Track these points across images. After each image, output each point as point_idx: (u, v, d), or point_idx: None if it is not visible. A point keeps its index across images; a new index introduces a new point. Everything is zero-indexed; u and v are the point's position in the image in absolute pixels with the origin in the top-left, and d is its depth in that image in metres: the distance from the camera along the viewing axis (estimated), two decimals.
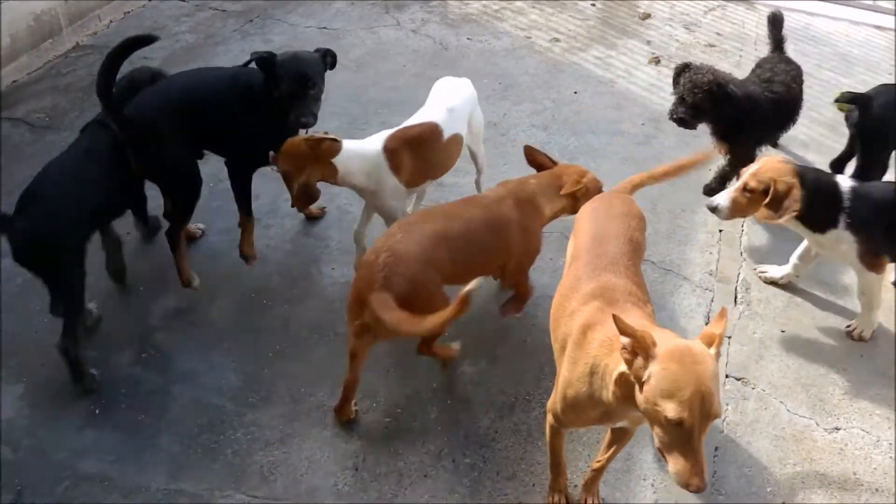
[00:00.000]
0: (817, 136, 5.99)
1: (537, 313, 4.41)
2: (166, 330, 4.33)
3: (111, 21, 7.23)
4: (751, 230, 5.07)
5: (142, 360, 4.16)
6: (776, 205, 4.02)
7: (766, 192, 4.03)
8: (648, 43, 7.17)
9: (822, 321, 4.49)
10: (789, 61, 5.34)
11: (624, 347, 2.54)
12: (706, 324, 4.40)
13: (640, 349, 2.50)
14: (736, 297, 4.62)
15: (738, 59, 6.96)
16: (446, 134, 4.29)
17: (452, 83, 4.59)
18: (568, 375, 2.96)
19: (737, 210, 4.15)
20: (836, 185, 4.13)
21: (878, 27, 7.62)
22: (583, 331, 2.94)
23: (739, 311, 4.51)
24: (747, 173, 4.12)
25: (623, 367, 2.61)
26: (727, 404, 3.98)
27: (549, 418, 3.24)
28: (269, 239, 4.83)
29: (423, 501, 3.55)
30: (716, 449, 3.78)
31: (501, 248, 3.92)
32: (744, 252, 4.90)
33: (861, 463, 3.78)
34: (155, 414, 3.90)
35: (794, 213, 4.01)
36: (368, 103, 6.04)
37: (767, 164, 4.14)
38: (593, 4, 7.82)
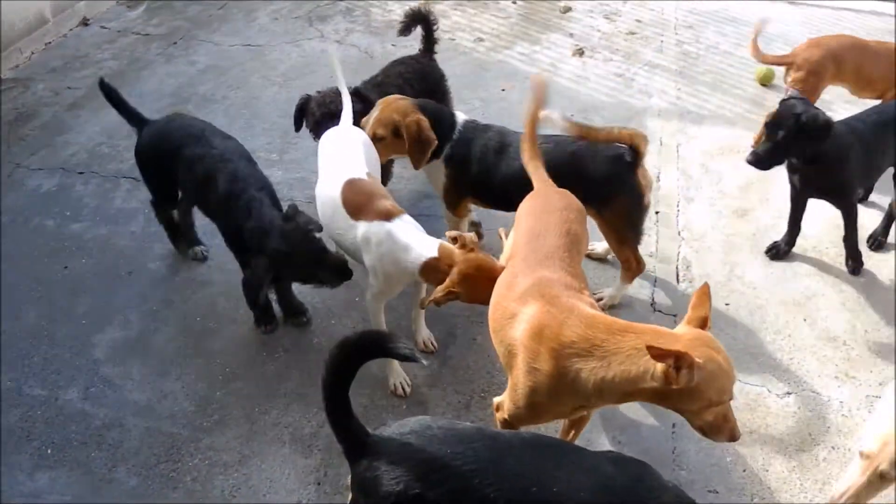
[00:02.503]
0: (742, 112, 6.10)
1: (484, 310, 4.41)
2: (113, 362, 4.27)
3: (33, 52, 7.14)
4: (686, 209, 5.14)
5: (90, 395, 4.10)
6: (419, 145, 4.23)
7: (396, 133, 4.23)
8: (571, 35, 7.23)
9: (763, 292, 4.57)
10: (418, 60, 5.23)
11: (669, 367, 2.61)
12: (651, 304, 4.48)
13: (684, 364, 2.59)
14: (678, 276, 4.67)
15: (659, 43, 7.05)
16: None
17: (341, 133, 4.28)
18: (532, 384, 2.92)
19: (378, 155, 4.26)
20: (453, 117, 4.41)
21: (791, 2, 7.76)
22: (536, 337, 2.90)
23: (682, 290, 4.57)
24: (371, 121, 4.25)
25: (653, 384, 2.68)
26: None
27: (501, 416, 3.20)
28: (211, 260, 4.78)
29: None
30: (673, 426, 3.83)
31: None
32: (681, 231, 4.96)
33: (815, 424, 3.86)
34: (109, 448, 3.85)
35: (434, 146, 4.26)
36: None
37: (387, 106, 4.27)
38: (514, 2, 7.86)
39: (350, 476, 2.66)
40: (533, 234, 3.34)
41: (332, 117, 4.42)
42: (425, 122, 4.23)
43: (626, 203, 4.11)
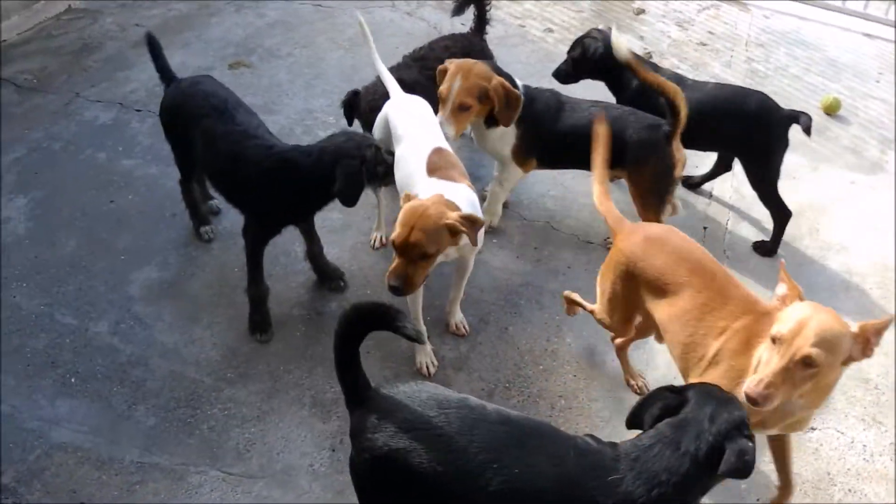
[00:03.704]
0: (804, 139, 5.96)
1: (519, 301, 4.42)
2: (146, 301, 4.30)
3: None
4: (735, 227, 5.08)
5: (120, 330, 4.14)
6: (508, 105, 4.32)
7: (481, 99, 4.27)
8: (641, 38, 7.15)
9: None
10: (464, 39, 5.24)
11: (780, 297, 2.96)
12: None
13: (790, 297, 2.92)
14: None
15: (728, 58, 6.96)
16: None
17: (411, 104, 4.30)
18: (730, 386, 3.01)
19: (460, 126, 4.33)
20: (515, 83, 4.48)
21: (867, 35, 7.61)
22: (744, 342, 3.05)
23: None
24: (455, 91, 4.23)
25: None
26: None
27: None
28: None
29: None
30: None
31: None
32: (727, 250, 4.90)
33: (835, 464, 3.80)
34: (131, 385, 3.88)
35: (521, 103, 4.40)
36: (360, 83, 5.98)
37: (468, 72, 4.25)
38: None
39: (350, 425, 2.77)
40: (692, 261, 3.39)
41: None
42: (506, 82, 4.31)
43: (656, 169, 4.42)
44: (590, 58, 4.84)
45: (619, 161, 4.29)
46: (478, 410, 2.65)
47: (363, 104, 4.62)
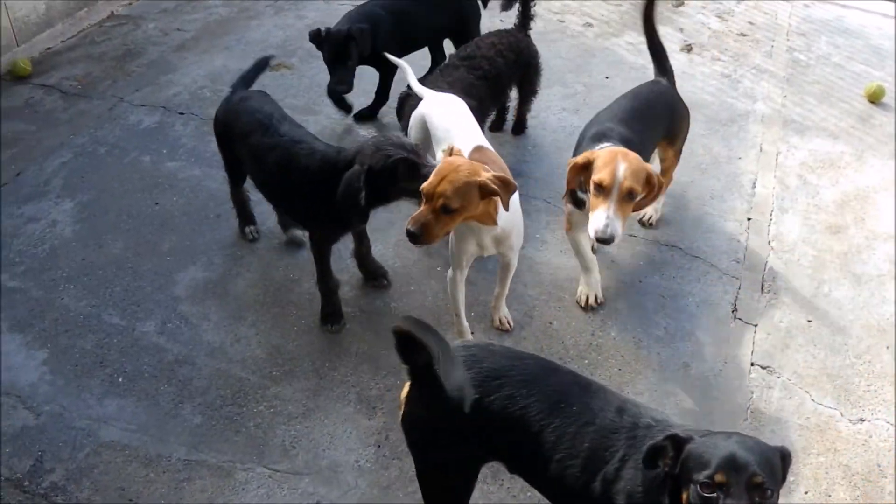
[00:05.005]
0: (847, 127, 5.94)
1: (564, 296, 4.40)
2: (192, 301, 4.33)
3: None
4: (779, 219, 5.04)
5: (166, 329, 4.17)
6: (651, 195, 3.82)
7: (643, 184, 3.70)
8: (681, 30, 7.10)
9: (848, 313, 4.45)
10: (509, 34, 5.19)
11: None
12: (733, 311, 4.39)
13: None
14: (763, 286, 4.57)
15: (769, 48, 6.89)
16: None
17: (448, 103, 4.29)
18: None
19: (626, 217, 3.71)
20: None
21: None
22: None
23: (766, 300, 4.48)
24: (622, 177, 3.57)
25: None
26: (752, 392, 3.97)
27: None
28: None
29: None
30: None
31: None
32: (772, 241, 4.86)
33: (885, 455, 3.74)
34: (178, 384, 3.91)
35: None
36: (398, 83, 6.01)
37: (624, 157, 3.63)
38: None
39: (407, 390, 2.85)
40: None
41: None
42: None
43: (688, 124, 4.72)
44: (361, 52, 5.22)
45: (671, 131, 4.53)
46: (550, 362, 2.92)
47: (407, 109, 4.63)
